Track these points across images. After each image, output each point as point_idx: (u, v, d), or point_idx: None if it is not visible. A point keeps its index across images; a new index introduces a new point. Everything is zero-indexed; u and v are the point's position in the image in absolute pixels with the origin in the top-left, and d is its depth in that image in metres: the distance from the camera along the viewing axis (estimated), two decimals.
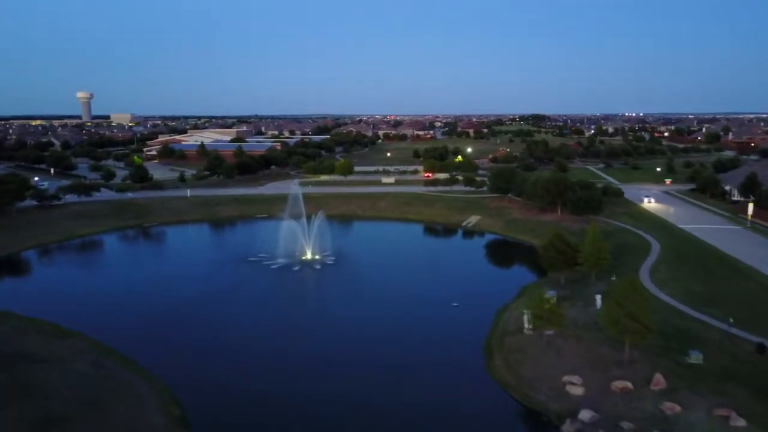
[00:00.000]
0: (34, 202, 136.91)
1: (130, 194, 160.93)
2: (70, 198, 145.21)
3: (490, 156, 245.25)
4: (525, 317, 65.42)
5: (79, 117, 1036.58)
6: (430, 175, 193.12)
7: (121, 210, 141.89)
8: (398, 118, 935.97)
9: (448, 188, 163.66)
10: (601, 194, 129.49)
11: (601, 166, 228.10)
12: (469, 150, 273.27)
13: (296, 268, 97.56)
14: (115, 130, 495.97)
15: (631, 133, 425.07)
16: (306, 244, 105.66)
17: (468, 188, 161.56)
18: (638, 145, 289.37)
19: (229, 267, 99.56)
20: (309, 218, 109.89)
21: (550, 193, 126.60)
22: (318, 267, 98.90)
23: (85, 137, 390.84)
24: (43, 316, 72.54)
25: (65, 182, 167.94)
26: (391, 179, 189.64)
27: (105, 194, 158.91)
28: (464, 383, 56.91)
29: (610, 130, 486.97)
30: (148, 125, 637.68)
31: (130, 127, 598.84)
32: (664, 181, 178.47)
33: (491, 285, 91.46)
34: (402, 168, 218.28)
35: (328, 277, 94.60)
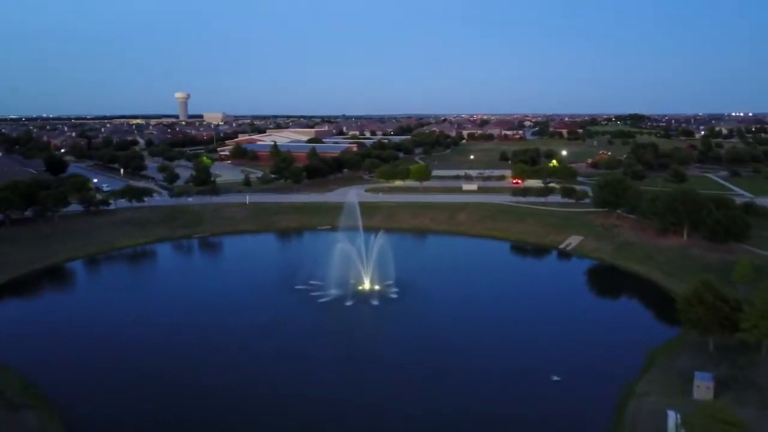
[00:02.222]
0: (80, 208, 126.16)
1: (190, 199, 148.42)
2: (122, 203, 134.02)
3: (589, 160, 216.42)
4: (671, 424, 42.23)
5: (177, 116, 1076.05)
6: (519, 181, 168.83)
7: (172, 218, 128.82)
8: (485, 117, 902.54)
9: (541, 199, 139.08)
10: (744, 214, 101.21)
11: (723, 173, 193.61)
12: (564, 153, 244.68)
13: (349, 304, 78.17)
14: (201, 129, 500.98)
15: (749, 135, 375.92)
16: (364, 270, 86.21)
17: (566, 200, 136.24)
18: (767, 149, 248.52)
19: (268, 298, 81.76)
20: (371, 234, 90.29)
21: (676, 211, 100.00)
22: (376, 303, 78.91)
23: (169, 136, 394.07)
24: (18, 364, 57.72)
25: (132, 183, 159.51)
26: (473, 186, 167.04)
27: (160, 199, 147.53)
28: None
29: (724, 131, 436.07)
30: (234, 124, 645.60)
31: (216, 126, 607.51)
32: None
33: (603, 341, 67.67)
34: (487, 172, 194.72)
35: (386, 320, 74.38)
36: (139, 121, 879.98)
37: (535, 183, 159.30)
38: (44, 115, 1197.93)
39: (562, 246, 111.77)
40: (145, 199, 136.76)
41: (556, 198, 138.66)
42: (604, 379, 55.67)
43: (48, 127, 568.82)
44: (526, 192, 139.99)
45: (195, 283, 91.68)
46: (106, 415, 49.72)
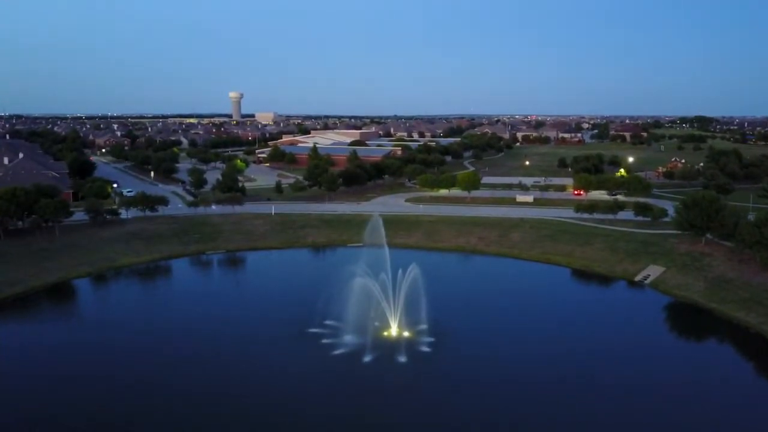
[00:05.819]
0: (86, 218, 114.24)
1: (214, 207, 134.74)
2: (136, 212, 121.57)
3: (661, 169, 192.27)
4: None
5: (230, 116, 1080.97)
6: (581, 193, 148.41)
7: (186, 231, 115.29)
8: (540, 118, 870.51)
9: (610, 216, 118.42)
10: None
11: None
12: (630, 159, 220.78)
13: (367, 359, 61.27)
14: (248, 129, 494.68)
15: None
16: (390, 311, 69.32)
17: (640, 218, 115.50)
18: None
19: (266, 347, 65.56)
20: (405, 256, 72.86)
21: None
22: (403, 360, 61.65)
23: (213, 136, 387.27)
24: None
25: (148, 189, 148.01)
26: (528, 197, 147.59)
27: (181, 206, 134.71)
28: None
29: None
30: (282, 124, 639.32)
31: (264, 126, 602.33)
32: None
33: None
34: (543, 181, 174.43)
35: (414, 392, 56.65)
36: (192, 120, 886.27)
37: (602, 196, 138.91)
38: (109, 114, 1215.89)
39: (638, 278, 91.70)
40: (160, 208, 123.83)
41: (627, 214, 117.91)
42: None
43: (102, 126, 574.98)
44: (591, 208, 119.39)
45: (183, 317, 75.56)
46: None
